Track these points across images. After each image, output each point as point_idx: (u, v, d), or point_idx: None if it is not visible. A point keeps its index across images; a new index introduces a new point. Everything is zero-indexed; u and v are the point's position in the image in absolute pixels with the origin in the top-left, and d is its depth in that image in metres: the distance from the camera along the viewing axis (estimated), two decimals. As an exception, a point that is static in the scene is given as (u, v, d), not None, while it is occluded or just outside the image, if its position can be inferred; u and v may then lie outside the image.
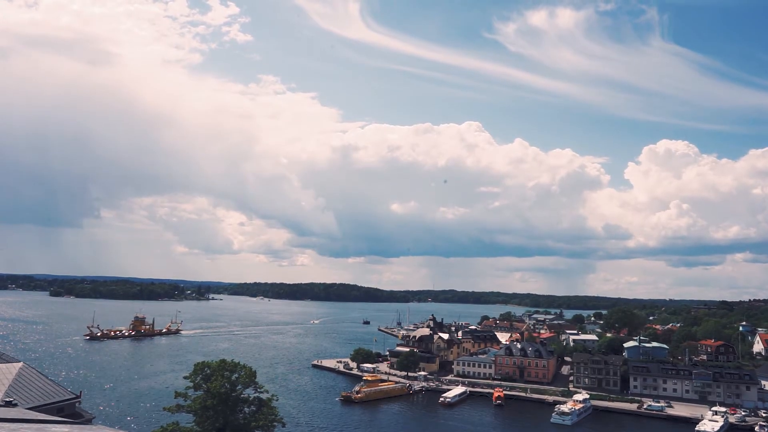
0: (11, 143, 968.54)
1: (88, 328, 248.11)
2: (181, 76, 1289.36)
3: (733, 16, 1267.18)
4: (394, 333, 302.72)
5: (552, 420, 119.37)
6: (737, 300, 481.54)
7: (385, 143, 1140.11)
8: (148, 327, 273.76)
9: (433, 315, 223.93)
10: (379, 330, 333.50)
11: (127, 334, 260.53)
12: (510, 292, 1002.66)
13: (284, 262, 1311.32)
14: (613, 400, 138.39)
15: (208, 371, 72.63)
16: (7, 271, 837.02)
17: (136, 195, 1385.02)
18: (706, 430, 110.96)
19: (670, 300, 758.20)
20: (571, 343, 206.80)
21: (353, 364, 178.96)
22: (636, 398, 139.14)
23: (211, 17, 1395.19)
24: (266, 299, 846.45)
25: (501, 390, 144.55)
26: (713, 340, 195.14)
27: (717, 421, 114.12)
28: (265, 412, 72.89)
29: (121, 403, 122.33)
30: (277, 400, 77.81)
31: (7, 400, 31.62)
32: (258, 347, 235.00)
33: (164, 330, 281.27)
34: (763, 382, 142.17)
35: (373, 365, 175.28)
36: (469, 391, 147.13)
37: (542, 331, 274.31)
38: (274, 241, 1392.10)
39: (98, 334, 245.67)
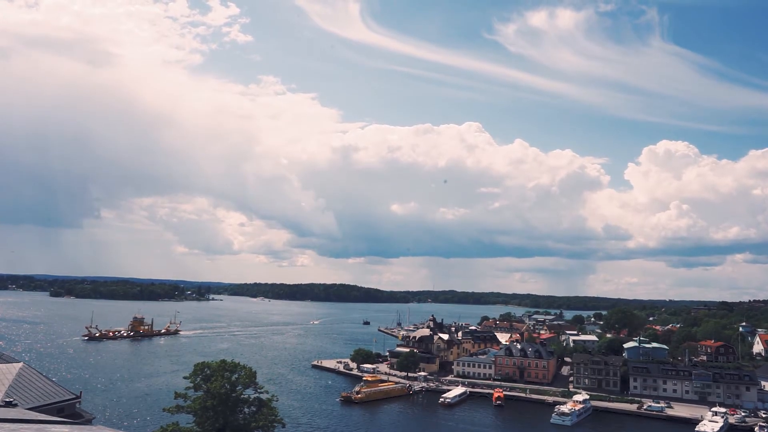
0: (11, 143, 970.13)
1: (87, 328, 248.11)
2: (182, 77, 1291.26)
3: (732, 16, 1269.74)
4: (394, 333, 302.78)
5: (552, 420, 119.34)
6: (737, 301, 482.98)
7: (386, 144, 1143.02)
8: (146, 327, 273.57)
9: (433, 315, 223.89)
10: (379, 330, 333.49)
11: (125, 334, 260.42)
12: (510, 292, 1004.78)
13: (284, 262, 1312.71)
14: (613, 401, 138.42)
15: (208, 372, 72.55)
16: (8, 272, 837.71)
17: (137, 195, 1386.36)
18: (706, 430, 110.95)
19: (670, 301, 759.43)
20: (571, 344, 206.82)
21: (353, 365, 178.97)
22: (636, 399, 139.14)
23: (211, 18, 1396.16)
24: (266, 300, 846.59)
25: (501, 390, 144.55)
26: (713, 341, 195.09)
27: (717, 422, 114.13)
28: (265, 413, 72.83)
29: (121, 403, 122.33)
30: (277, 401, 77.75)
31: (7, 400, 31.62)
32: (258, 348, 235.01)
33: (163, 330, 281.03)
34: (762, 383, 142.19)
35: (373, 366, 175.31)
36: (469, 392, 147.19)
37: (542, 332, 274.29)
38: (274, 242, 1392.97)
39: (97, 335, 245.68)
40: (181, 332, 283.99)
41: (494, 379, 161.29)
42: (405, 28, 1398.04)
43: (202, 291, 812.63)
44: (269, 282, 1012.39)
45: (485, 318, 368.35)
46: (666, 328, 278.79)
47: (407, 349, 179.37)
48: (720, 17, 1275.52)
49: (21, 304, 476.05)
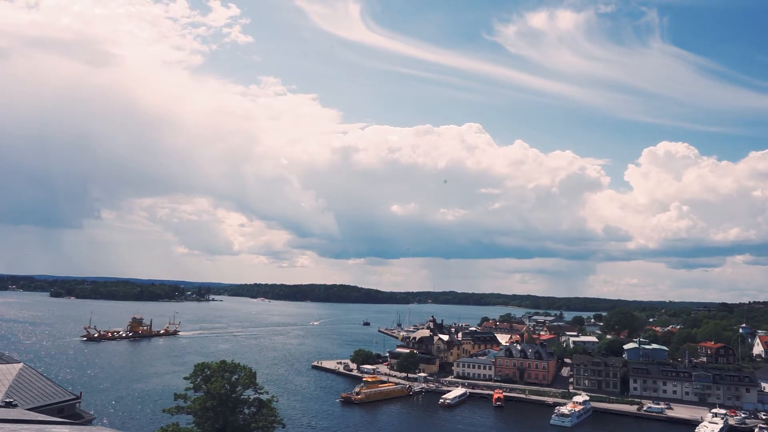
0: (12, 144, 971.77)
1: (85, 329, 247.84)
2: (182, 78, 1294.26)
3: (732, 18, 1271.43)
4: (394, 334, 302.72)
5: (552, 422, 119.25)
6: (737, 302, 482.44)
7: (386, 144, 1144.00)
8: (145, 328, 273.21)
9: (433, 316, 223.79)
10: (379, 331, 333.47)
11: (124, 335, 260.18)
12: (510, 293, 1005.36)
13: (284, 263, 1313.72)
14: (612, 402, 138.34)
15: (208, 372, 72.41)
16: (8, 272, 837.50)
17: (137, 196, 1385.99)
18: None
19: (670, 302, 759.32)
20: (571, 345, 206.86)
21: (353, 366, 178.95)
22: (636, 400, 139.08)
23: (211, 19, 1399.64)
24: (266, 300, 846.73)
25: (501, 391, 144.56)
26: (713, 342, 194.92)
27: (717, 423, 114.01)
28: (265, 414, 72.75)
29: (121, 403, 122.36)
30: (277, 401, 77.65)
31: (7, 400, 31.63)
32: (258, 348, 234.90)
33: (162, 331, 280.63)
34: (762, 384, 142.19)
35: (373, 366, 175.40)
36: (469, 393, 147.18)
37: (542, 333, 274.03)
38: (275, 242, 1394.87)
39: (95, 335, 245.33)
40: (180, 333, 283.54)
41: (494, 380, 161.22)
42: (405, 29, 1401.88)
43: (202, 291, 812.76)
44: (269, 283, 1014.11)
45: (485, 319, 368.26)
46: (666, 329, 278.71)
47: (407, 350, 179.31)
48: (720, 19, 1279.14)
49: (21, 305, 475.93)
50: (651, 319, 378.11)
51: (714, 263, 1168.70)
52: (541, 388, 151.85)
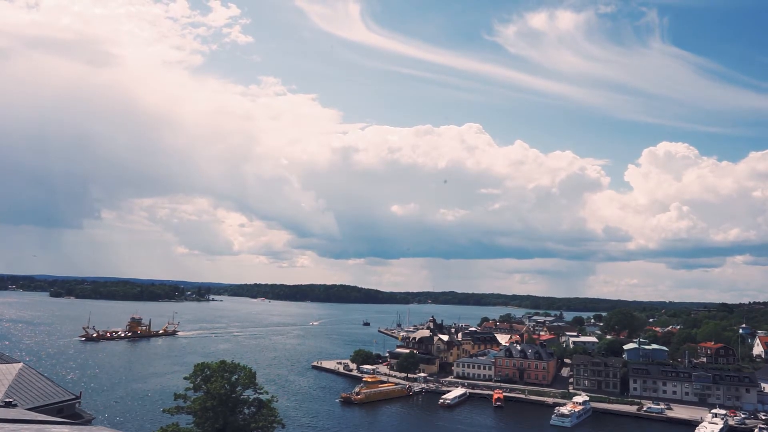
0: (12, 144, 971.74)
1: (84, 329, 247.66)
2: (182, 78, 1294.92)
3: (732, 18, 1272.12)
4: (394, 334, 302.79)
5: (552, 422, 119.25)
6: (737, 302, 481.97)
7: (386, 145, 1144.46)
8: (144, 328, 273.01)
9: (433, 316, 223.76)
10: (379, 331, 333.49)
11: (123, 335, 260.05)
12: (510, 293, 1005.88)
13: (284, 263, 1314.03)
14: (612, 402, 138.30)
15: (208, 372, 72.41)
16: (8, 272, 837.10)
17: (137, 196, 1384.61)
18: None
19: (670, 302, 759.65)
20: (571, 345, 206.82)
21: (353, 366, 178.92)
22: (636, 400, 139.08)
23: (212, 19, 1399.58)
24: (266, 300, 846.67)
25: (501, 392, 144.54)
26: (713, 343, 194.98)
27: (717, 424, 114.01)
28: (265, 414, 72.76)
29: (120, 403, 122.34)
30: (277, 401, 77.66)
31: (7, 400, 31.63)
32: (258, 348, 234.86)
33: (161, 331, 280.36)
34: (762, 385, 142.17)
35: (373, 366, 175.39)
36: (469, 393, 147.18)
37: (542, 333, 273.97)
38: (275, 243, 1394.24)
39: (94, 335, 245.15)
40: (179, 333, 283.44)
41: (494, 381, 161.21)
42: (405, 29, 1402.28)
43: (202, 292, 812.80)
44: (269, 283, 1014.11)
45: (485, 319, 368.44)
46: (666, 329, 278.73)
47: (407, 350, 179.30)
48: (720, 19, 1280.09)
49: (21, 305, 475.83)
50: (651, 320, 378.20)
51: (714, 263, 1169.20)
52: (541, 389, 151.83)
